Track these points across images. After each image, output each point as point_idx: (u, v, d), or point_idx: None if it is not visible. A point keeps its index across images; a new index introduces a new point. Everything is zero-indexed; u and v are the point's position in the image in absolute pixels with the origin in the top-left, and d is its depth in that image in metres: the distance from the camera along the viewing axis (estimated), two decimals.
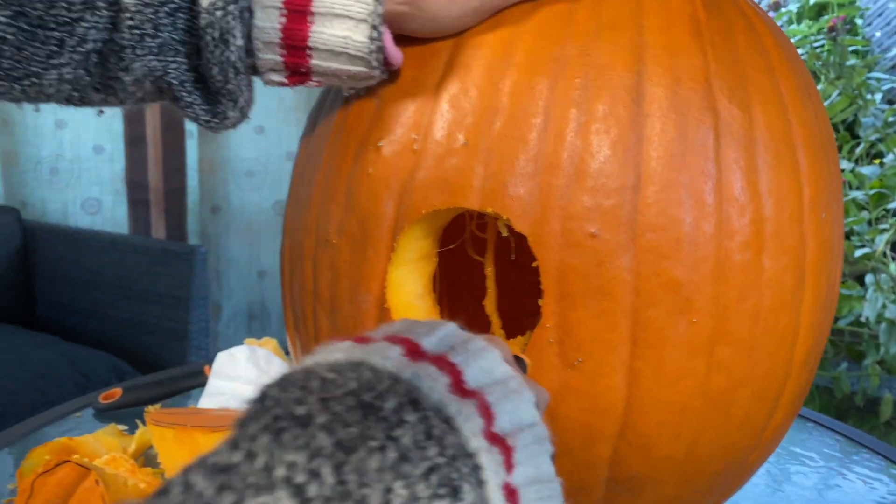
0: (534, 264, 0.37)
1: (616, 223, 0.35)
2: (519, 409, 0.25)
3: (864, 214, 1.87)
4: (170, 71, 0.36)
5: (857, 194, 1.89)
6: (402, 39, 0.39)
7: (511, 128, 0.36)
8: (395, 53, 0.38)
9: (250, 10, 0.36)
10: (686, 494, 0.41)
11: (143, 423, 0.59)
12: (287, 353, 0.73)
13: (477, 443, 0.22)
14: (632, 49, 0.37)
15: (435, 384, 0.23)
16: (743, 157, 0.36)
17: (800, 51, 1.93)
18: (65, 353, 1.26)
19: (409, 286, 0.41)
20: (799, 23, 2.37)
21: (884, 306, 1.80)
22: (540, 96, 0.36)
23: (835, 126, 2.09)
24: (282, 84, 0.39)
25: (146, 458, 0.59)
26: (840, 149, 2.06)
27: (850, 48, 2.15)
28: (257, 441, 0.19)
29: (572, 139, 0.36)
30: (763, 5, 2.38)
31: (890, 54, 2.44)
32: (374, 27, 0.36)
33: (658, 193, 0.35)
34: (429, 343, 0.26)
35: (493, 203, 0.36)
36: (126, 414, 0.67)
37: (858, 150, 2.00)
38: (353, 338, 0.25)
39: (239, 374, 0.62)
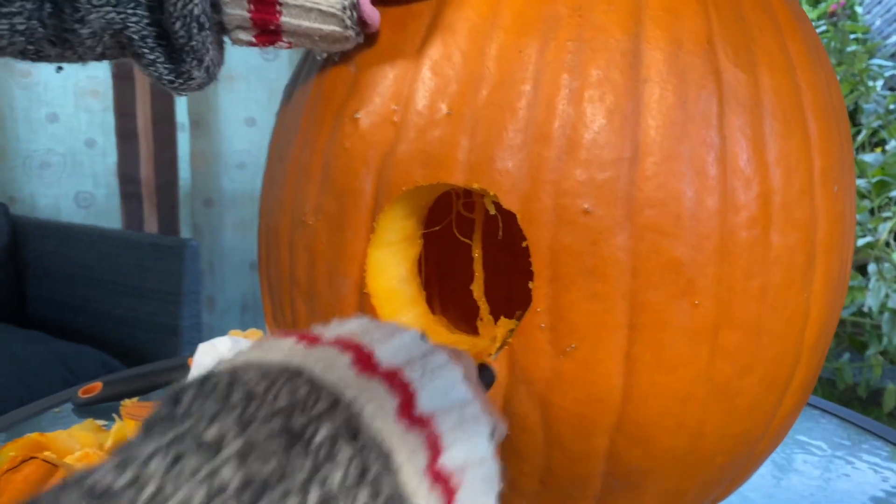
0: (524, 244, 0.34)
1: (612, 198, 0.33)
2: (471, 441, 0.22)
3: (867, 203, 1.84)
4: (129, 24, 0.34)
5: (860, 182, 1.86)
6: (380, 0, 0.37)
7: (498, 96, 0.34)
8: (372, 13, 0.36)
9: None
10: (689, 488, 0.38)
11: (121, 417, 0.57)
12: None
13: (415, 485, 0.19)
14: (628, 9, 0.34)
15: (380, 409, 0.20)
16: (749, 125, 0.34)
17: None
18: (53, 350, 1.24)
19: (391, 269, 0.38)
20: None
21: (887, 296, 1.77)
22: (529, 61, 0.34)
23: None
24: (251, 44, 0.36)
25: None
26: None
27: (851, 35, 2.12)
28: (150, 465, 0.16)
29: (564, 107, 0.33)
30: None
31: (890, 41, 2.42)
32: None
33: (657, 165, 0.33)
34: (384, 353, 0.23)
35: (480, 178, 0.34)
36: (107, 409, 0.64)
37: (860, 138, 1.97)
38: (300, 334, 0.22)
39: None
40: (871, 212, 1.86)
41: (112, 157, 1.72)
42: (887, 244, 1.82)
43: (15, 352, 1.22)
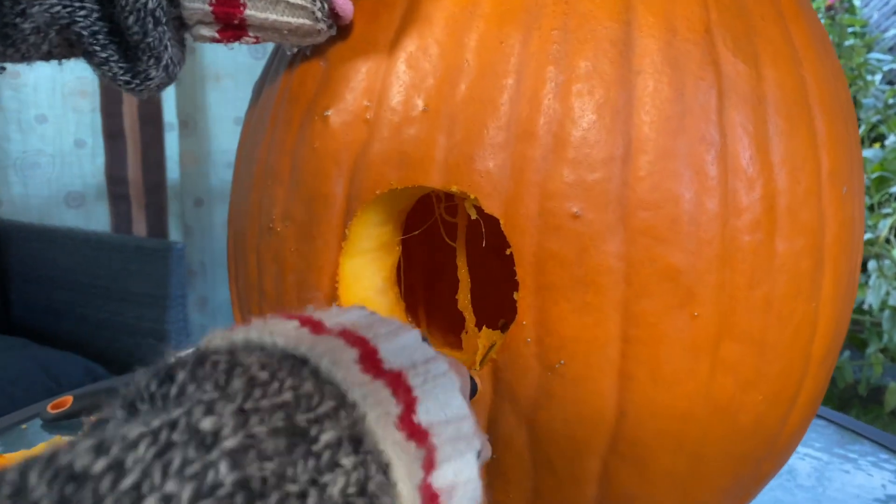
0: (508, 251, 0.31)
1: (602, 201, 0.30)
2: (462, 459, 0.21)
3: (866, 199, 1.82)
4: (77, 19, 0.31)
5: None
6: None
7: (478, 90, 0.31)
8: (344, 4, 0.33)
9: None
10: None
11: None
12: None
13: (410, 503, 0.18)
14: None
15: (384, 415, 0.18)
16: (751, 121, 0.31)
17: None
18: (35, 357, 1.20)
19: (366, 280, 0.36)
20: None
21: (887, 293, 1.75)
22: (511, 52, 0.31)
23: None
24: (214, 40, 0.33)
25: None
26: None
27: (849, 28, 2.09)
28: (134, 451, 0.14)
29: (550, 102, 0.30)
30: None
31: (888, 34, 2.40)
32: None
33: (651, 165, 0.30)
34: (388, 352, 0.21)
35: (459, 180, 0.31)
36: (77, 424, 0.61)
37: (859, 133, 1.94)
38: (301, 317, 0.21)
39: None
40: (871, 208, 1.84)
41: (101, 157, 1.71)
42: (887, 241, 1.80)
43: None
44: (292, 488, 0.15)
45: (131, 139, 1.71)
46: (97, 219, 1.71)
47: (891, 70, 2.13)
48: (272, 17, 0.32)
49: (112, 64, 0.33)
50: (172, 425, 0.15)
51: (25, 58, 0.33)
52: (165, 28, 0.32)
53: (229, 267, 0.42)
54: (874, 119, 1.89)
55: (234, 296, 0.41)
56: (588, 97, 0.30)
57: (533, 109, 0.31)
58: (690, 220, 0.30)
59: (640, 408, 0.31)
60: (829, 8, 1.91)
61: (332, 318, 0.22)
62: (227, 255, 0.42)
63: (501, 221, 0.31)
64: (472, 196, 0.31)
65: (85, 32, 0.31)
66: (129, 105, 1.69)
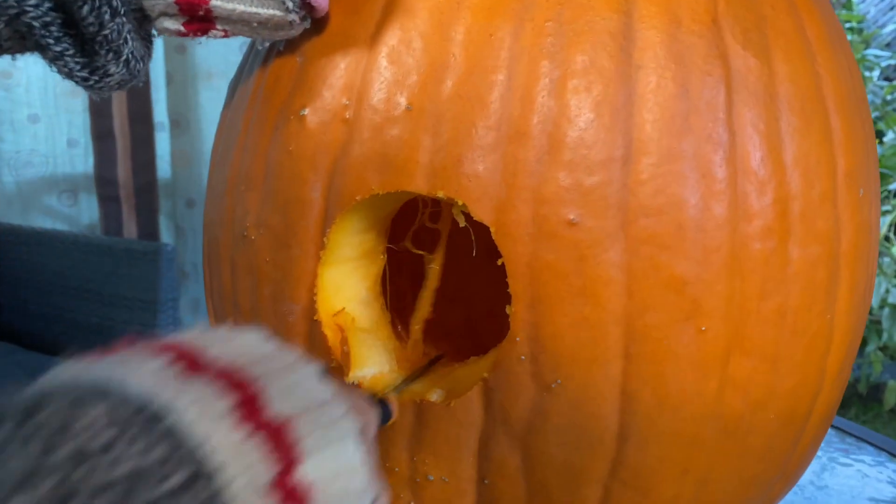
0: (499, 261, 0.29)
1: (601, 206, 0.28)
2: None
3: None
4: (27, 9, 0.28)
5: None
6: None
7: (466, 87, 0.29)
8: None
9: None
10: None
11: None
12: None
13: None
14: None
15: (252, 483, 0.16)
16: (762, 119, 0.29)
17: None
18: (22, 363, 1.18)
19: (348, 290, 0.33)
20: None
21: (887, 291, 1.74)
22: (501, 46, 0.29)
23: None
24: (179, 33, 0.31)
25: None
26: None
27: (846, 24, 2.08)
28: None
29: (544, 100, 0.28)
30: None
31: (886, 30, 2.38)
32: None
33: (654, 167, 0.28)
34: (276, 394, 0.18)
35: (445, 184, 0.29)
36: None
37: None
38: (176, 349, 0.18)
39: None
40: None
41: (93, 157, 1.70)
42: (886, 238, 1.78)
43: None
44: None
45: (121, 139, 1.70)
46: (91, 219, 1.69)
47: (888, 66, 2.11)
48: (240, 7, 0.30)
49: (67, 59, 0.30)
50: None
51: None
52: (124, 20, 0.30)
53: (204, 278, 0.39)
54: (872, 115, 1.87)
55: (210, 309, 0.39)
56: (585, 94, 0.28)
57: (525, 108, 0.28)
58: (697, 226, 0.28)
59: (644, 430, 0.29)
60: None
61: (217, 347, 0.19)
62: (202, 265, 0.39)
63: (492, 229, 0.29)
64: (459, 202, 0.29)
65: (36, 24, 0.29)
66: (119, 104, 1.67)
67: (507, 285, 0.29)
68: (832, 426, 0.64)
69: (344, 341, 0.32)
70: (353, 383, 0.27)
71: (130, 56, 0.31)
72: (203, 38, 0.32)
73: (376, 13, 0.31)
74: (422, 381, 0.33)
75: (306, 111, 0.31)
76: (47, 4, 0.29)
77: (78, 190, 1.71)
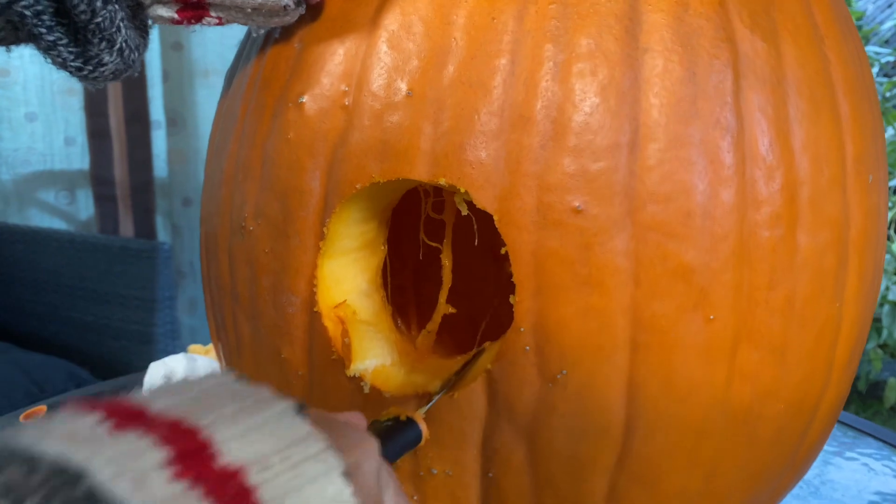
0: (503, 250, 0.28)
1: (607, 193, 0.27)
2: None
3: None
4: None
5: None
6: None
7: (468, 73, 0.28)
8: None
9: None
10: None
11: None
12: None
13: None
14: None
15: None
16: (770, 104, 0.28)
17: None
18: (17, 362, 1.17)
19: (348, 282, 0.33)
20: None
21: (887, 288, 1.74)
22: (504, 30, 0.28)
23: None
24: (173, 21, 0.30)
25: None
26: None
27: None
28: None
29: (548, 84, 0.27)
30: None
31: (885, 27, 2.38)
32: None
33: (661, 153, 0.27)
34: (232, 439, 0.17)
35: (447, 172, 0.28)
36: None
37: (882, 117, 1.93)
38: (114, 408, 0.16)
39: None
40: None
41: (89, 156, 1.69)
42: (887, 236, 1.78)
43: None
44: None
45: (117, 138, 1.69)
46: (90, 216, 1.69)
47: (888, 62, 2.11)
48: None
49: (61, 48, 0.29)
50: None
51: None
52: (116, 7, 0.29)
53: (202, 270, 0.39)
54: None
55: (208, 302, 0.38)
56: (590, 78, 0.27)
57: (529, 93, 0.28)
58: (704, 213, 0.28)
59: (651, 421, 0.29)
60: None
61: (168, 397, 0.18)
62: (200, 257, 0.39)
63: (495, 217, 0.28)
64: (462, 189, 0.28)
65: (28, 13, 0.28)
66: (115, 102, 1.66)
67: (510, 275, 0.29)
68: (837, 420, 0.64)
69: (345, 333, 0.32)
70: (343, 420, 0.24)
71: (124, 45, 0.30)
72: (197, 27, 0.31)
73: None
74: (423, 373, 0.33)
75: (305, 98, 0.30)
76: None
77: (75, 188, 1.70)
